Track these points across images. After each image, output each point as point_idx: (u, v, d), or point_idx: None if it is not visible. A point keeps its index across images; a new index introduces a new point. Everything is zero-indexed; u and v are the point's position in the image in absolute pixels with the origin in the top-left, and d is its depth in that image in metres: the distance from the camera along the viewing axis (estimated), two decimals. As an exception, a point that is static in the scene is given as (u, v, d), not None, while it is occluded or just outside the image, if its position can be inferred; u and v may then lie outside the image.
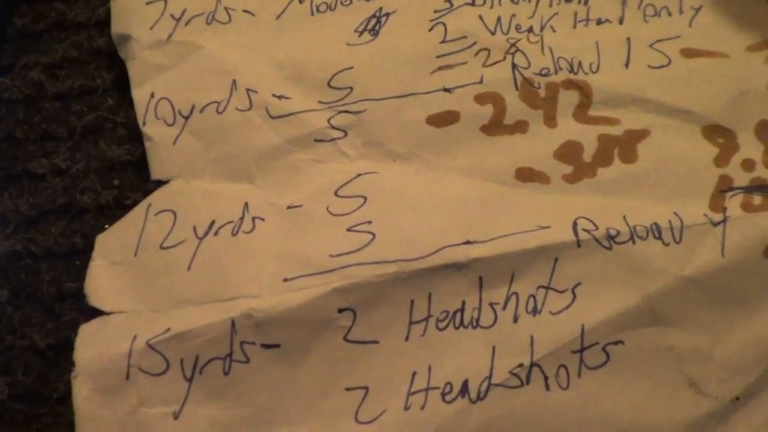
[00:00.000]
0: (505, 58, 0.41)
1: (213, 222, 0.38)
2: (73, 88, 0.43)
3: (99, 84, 0.43)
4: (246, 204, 0.38)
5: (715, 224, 0.37)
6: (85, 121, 0.42)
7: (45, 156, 0.42)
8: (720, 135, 0.39)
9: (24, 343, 0.38)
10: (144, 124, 0.40)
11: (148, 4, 0.42)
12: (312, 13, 0.42)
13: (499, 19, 0.42)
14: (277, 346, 0.35)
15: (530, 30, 0.42)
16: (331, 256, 0.36)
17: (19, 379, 0.37)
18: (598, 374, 0.35)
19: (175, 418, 0.35)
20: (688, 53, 0.40)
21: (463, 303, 0.36)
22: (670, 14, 0.42)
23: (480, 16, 0.42)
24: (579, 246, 0.36)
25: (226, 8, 0.42)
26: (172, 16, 0.42)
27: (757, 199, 0.37)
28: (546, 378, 0.35)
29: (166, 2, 0.42)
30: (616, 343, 0.35)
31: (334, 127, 0.40)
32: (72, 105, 0.43)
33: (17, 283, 0.39)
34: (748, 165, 0.38)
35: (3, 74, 0.43)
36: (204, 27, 0.42)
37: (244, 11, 0.42)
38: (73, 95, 0.43)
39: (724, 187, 0.38)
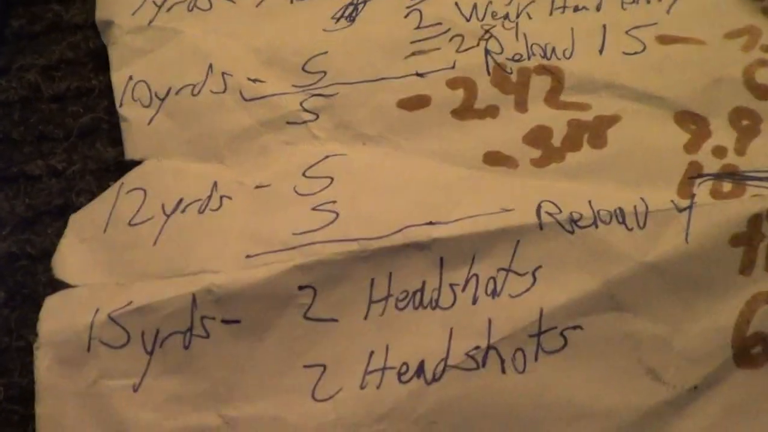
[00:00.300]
0: (478, 44, 0.41)
1: (181, 200, 0.38)
2: (70, 89, 0.43)
3: (95, 85, 0.43)
4: (215, 183, 0.39)
5: (681, 210, 0.36)
6: (81, 122, 0.42)
7: (41, 157, 0.42)
8: (692, 121, 0.38)
9: (20, 344, 0.38)
10: (121, 105, 0.41)
11: (131, -10, 0.43)
12: (291, 1, 0.43)
13: (475, 6, 0.42)
14: (237, 321, 0.36)
15: (506, 17, 0.42)
16: (294, 234, 0.37)
17: (15, 380, 0.37)
18: (554, 359, 0.35)
19: (135, 390, 0.35)
20: (664, 40, 0.40)
21: (424, 283, 0.36)
22: (648, 1, 0.41)
23: (456, 4, 0.42)
24: (541, 229, 0.36)
25: (207, -5, 0.43)
26: (154, 2, 0.43)
27: (726, 186, 0.37)
28: (502, 361, 0.35)
29: (149, -12, 0.43)
30: (574, 327, 0.35)
31: (306, 110, 0.40)
32: (68, 106, 0.43)
33: (13, 285, 0.39)
34: (719, 152, 0.37)
35: (-1, 76, 0.44)
36: (185, 14, 0.43)
37: (226, -1, 0.43)
38: (69, 97, 0.43)
39: (694, 174, 0.37)
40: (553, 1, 0.42)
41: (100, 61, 0.43)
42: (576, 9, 0.41)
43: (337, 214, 0.37)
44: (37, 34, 0.45)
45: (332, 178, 0.38)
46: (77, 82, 0.43)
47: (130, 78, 0.41)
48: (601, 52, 0.40)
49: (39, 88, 0.43)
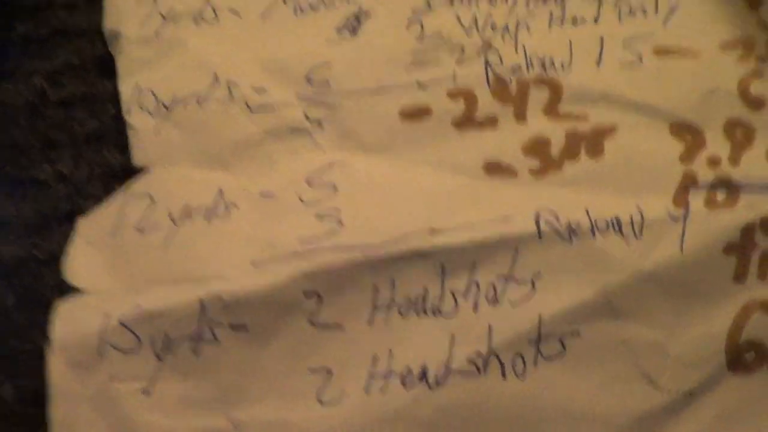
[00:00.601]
0: (479, 56, 0.42)
1: (188, 206, 0.39)
2: (76, 94, 0.43)
3: (101, 91, 0.43)
4: (221, 191, 0.40)
5: (676, 220, 0.37)
6: (87, 128, 0.43)
7: (48, 163, 0.42)
8: (687, 132, 0.39)
9: (29, 347, 0.38)
10: (128, 114, 0.42)
11: (138, 2, 0.44)
12: (295, 13, 0.44)
13: (475, 18, 0.43)
14: (245, 327, 0.37)
15: (506, 29, 0.42)
16: (299, 241, 0.38)
17: (25, 382, 0.38)
18: (553, 365, 0.36)
19: (146, 394, 0.36)
20: (661, 51, 0.41)
21: (426, 290, 0.37)
22: (645, 13, 0.42)
23: (457, 16, 0.43)
24: (540, 237, 0.37)
25: (213, 8, 0.44)
26: (161, 14, 0.44)
27: (720, 196, 0.38)
28: (503, 367, 0.36)
29: (155, 1, 0.44)
30: (572, 334, 0.36)
31: (309, 120, 0.41)
32: (75, 112, 0.43)
33: (22, 288, 0.39)
34: (713, 162, 0.38)
35: (5, 80, 0.44)
36: (191, 25, 0.44)
37: (230, 11, 0.44)
38: (75, 102, 0.43)
39: (688, 184, 0.38)
40: (551, 14, 0.43)
41: (106, 67, 0.44)
42: (574, 22, 0.42)
43: (341, 222, 0.38)
44: (43, 39, 0.45)
45: (336, 187, 0.39)
46: (83, 87, 0.44)
47: (137, 87, 0.42)
48: (598, 63, 0.41)
49: (45, 93, 0.44)
